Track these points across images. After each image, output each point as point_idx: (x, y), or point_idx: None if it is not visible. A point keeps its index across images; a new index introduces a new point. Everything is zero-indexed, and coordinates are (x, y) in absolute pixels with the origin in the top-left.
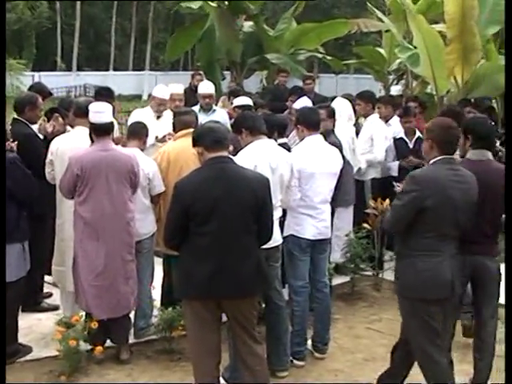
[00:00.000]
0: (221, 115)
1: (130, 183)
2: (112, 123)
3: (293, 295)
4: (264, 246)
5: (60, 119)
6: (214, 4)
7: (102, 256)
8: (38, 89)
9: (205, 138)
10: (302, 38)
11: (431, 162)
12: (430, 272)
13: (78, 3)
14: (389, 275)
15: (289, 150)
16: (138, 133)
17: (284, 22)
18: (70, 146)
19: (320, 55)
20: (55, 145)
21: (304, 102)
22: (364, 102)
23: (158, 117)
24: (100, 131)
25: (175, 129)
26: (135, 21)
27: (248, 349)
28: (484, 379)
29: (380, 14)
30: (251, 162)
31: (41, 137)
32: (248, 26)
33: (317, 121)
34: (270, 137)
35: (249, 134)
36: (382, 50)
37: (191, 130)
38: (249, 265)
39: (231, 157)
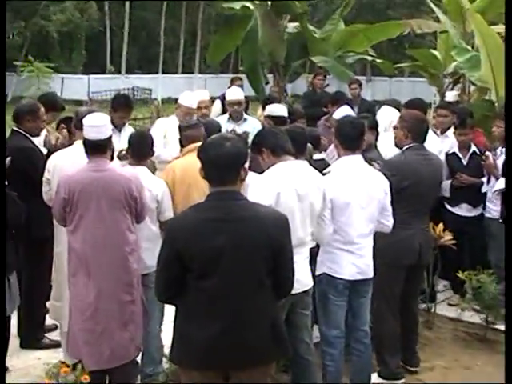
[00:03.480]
0: (253, 125)
1: (129, 210)
2: (109, 139)
3: (325, 347)
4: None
5: (65, 131)
6: (256, 3)
7: (93, 296)
8: (48, 100)
9: (207, 166)
10: (351, 39)
11: (404, 148)
12: (402, 242)
13: (127, 5)
14: (443, 309)
15: (327, 166)
16: (140, 150)
17: (332, 22)
18: (69, 163)
19: (370, 58)
20: (53, 161)
21: (345, 112)
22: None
23: None
24: (93, 149)
25: (182, 144)
26: (185, 23)
27: None
28: None
29: (440, 14)
30: (273, 188)
31: (44, 151)
32: (293, 26)
33: (356, 138)
34: (298, 156)
35: (271, 155)
36: (437, 53)
37: (200, 143)
38: (261, 327)
39: (240, 191)
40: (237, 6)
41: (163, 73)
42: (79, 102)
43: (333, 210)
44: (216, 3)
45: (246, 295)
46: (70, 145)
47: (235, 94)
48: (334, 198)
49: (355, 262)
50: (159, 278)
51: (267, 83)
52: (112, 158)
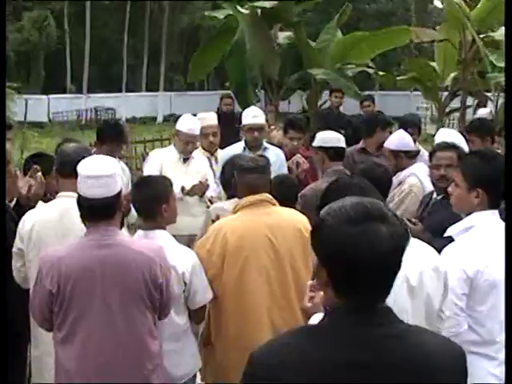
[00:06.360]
0: (275, 156)
1: (151, 305)
2: (118, 196)
3: None
4: None
5: (40, 175)
6: (245, 12)
7: None
8: None
9: (347, 270)
10: (352, 50)
11: None
12: None
13: (87, 23)
14: None
15: None
16: (151, 206)
17: (328, 32)
18: (53, 229)
19: (371, 70)
20: (28, 222)
21: (401, 138)
22: (480, 137)
23: (185, 159)
24: (96, 212)
25: (238, 193)
26: (147, 42)
27: None
28: None
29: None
30: None
31: (10, 205)
32: (283, 37)
33: (500, 184)
34: None
35: None
36: (434, 64)
37: (263, 196)
38: None
39: (388, 306)
40: (220, 15)
41: (126, 91)
42: (40, 125)
43: (469, 296)
44: (181, 22)
45: None
46: (46, 196)
47: (256, 115)
48: (476, 276)
49: (495, 372)
50: None
51: (258, 101)
52: (122, 225)
